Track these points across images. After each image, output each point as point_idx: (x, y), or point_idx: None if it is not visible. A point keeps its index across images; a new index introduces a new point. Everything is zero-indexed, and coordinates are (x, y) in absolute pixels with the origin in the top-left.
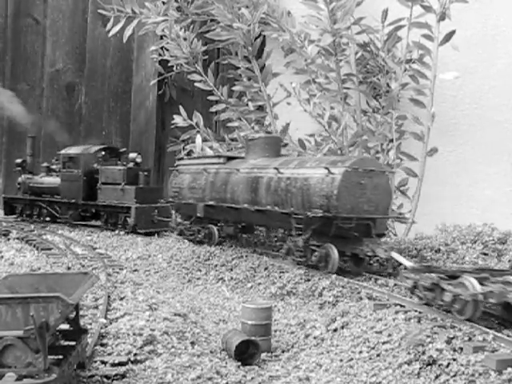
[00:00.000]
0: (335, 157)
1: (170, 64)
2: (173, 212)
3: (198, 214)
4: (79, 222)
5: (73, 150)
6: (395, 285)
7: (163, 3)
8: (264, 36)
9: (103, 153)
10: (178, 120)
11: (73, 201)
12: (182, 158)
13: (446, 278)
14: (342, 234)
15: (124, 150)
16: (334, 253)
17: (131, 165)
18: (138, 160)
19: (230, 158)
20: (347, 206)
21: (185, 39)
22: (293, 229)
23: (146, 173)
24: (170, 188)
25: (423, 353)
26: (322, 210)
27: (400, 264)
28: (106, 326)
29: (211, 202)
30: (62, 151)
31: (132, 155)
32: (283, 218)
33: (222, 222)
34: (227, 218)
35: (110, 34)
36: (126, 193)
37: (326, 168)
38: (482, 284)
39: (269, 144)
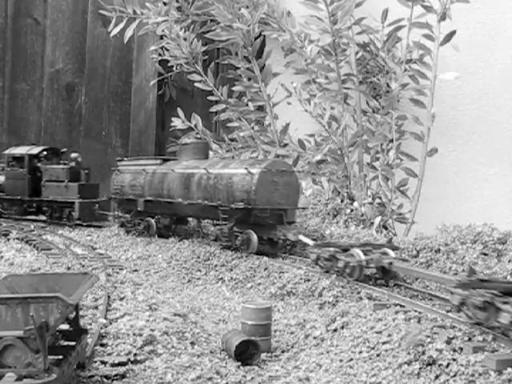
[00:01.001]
0: (253, 160)
1: (169, 64)
2: (115, 207)
3: (139, 208)
4: (24, 216)
5: (17, 151)
6: (395, 285)
7: (164, 4)
8: (264, 36)
9: (45, 153)
10: (177, 122)
11: (18, 197)
12: (122, 160)
13: (340, 251)
14: (260, 222)
15: (65, 150)
16: (254, 237)
17: (73, 164)
18: (79, 159)
19: (165, 160)
20: (263, 199)
21: (185, 39)
22: (220, 218)
23: (86, 171)
24: (112, 185)
25: (423, 353)
26: (243, 202)
27: (306, 244)
28: (106, 326)
29: (150, 198)
30: (6, 151)
31: (74, 155)
32: (211, 209)
33: (159, 214)
34: (164, 211)
35: (112, 34)
36: (70, 189)
37: (246, 169)
38: (365, 254)
39: (198, 148)
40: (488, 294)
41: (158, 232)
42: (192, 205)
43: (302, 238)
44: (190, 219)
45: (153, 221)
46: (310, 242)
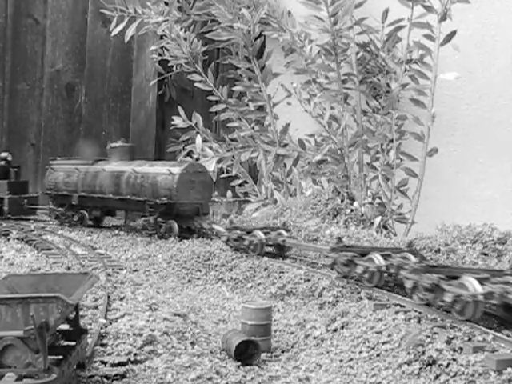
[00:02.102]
0: (174, 162)
1: (169, 64)
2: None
3: (73, 203)
4: None
5: None
6: (395, 285)
7: (165, 4)
8: (264, 36)
9: None
10: (178, 121)
11: None
12: (54, 159)
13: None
14: (180, 214)
15: None
16: (175, 226)
17: (2, 163)
18: (9, 158)
19: (96, 160)
20: (183, 195)
21: (185, 39)
22: (146, 211)
23: (16, 169)
24: (46, 182)
25: (423, 353)
26: (166, 198)
27: (218, 231)
28: (106, 326)
29: (83, 193)
30: None
31: (3, 155)
32: (139, 204)
33: (91, 208)
34: (96, 204)
35: (113, 34)
36: (0, 186)
37: (168, 170)
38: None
39: (126, 151)
40: (349, 255)
41: (90, 222)
42: (122, 200)
43: (215, 226)
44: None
45: (85, 213)
46: (221, 229)
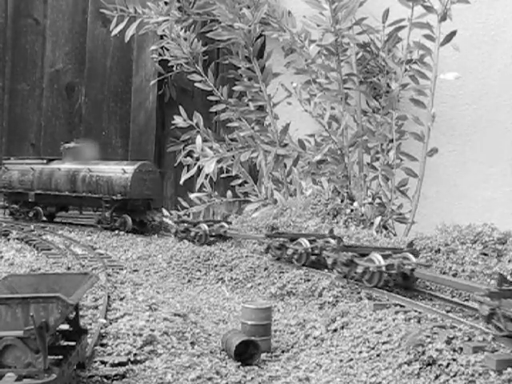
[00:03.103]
0: (127, 162)
1: (170, 64)
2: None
3: (30, 200)
4: None
5: None
6: (395, 285)
7: (166, 3)
8: (264, 36)
9: None
10: (178, 120)
11: None
12: (8, 158)
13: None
14: (134, 209)
15: None
16: (129, 220)
17: None
18: None
19: (50, 160)
20: (136, 191)
21: (185, 39)
22: (102, 207)
23: None
24: (0, 181)
25: (423, 353)
26: (121, 194)
27: (168, 225)
28: (106, 327)
29: (40, 191)
30: None
31: None
32: (95, 200)
33: (47, 205)
34: (52, 201)
35: (113, 33)
36: None
37: (123, 169)
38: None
39: (80, 151)
40: (281, 240)
41: (44, 218)
42: (78, 197)
43: (165, 219)
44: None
45: (40, 209)
46: (170, 222)
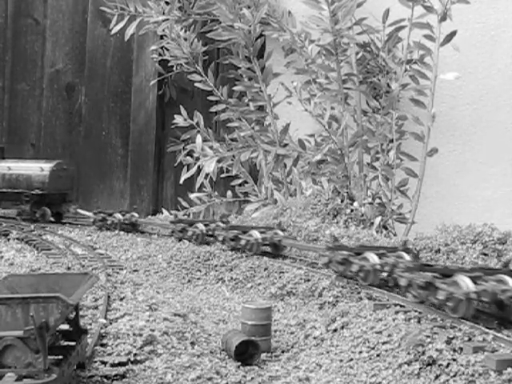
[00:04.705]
0: (45, 160)
1: (170, 64)
2: None
3: None
4: None
5: None
6: (396, 285)
7: (166, 3)
8: (265, 36)
9: None
10: (179, 120)
11: None
12: None
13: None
14: (51, 202)
15: None
16: (48, 211)
17: None
18: None
19: None
20: (52, 186)
21: (185, 39)
22: (23, 201)
23: None
24: None
25: (423, 353)
26: (40, 189)
27: (85, 215)
28: (106, 327)
29: None
30: None
31: None
32: (15, 195)
33: None
34: None
35: (113, 32)
36: None
37: (41, 167)
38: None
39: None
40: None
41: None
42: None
43: (80, 211)
44: None
45: None
46: (88, 214)
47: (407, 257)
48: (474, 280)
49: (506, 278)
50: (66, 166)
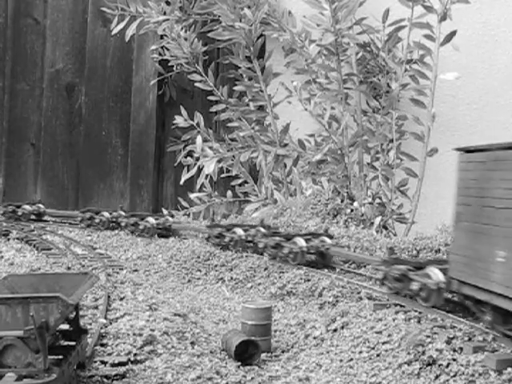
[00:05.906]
0: None
1: (170, 64)
2: None
3: None
4: None
5: None
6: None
7: (167, 3)
8: (265, 36)
9: None
10: (179, 120)
11: None
12: None
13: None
14: None
15: None
16: None
17: None
18: None
19: None
20: None
21: (185, 39)
22: None
23: None
24: None
25: (423, 353)
26: None
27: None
28: (106, 326)
29: None
30: None
31: None
32: None
33: None
34: None
35: (113, 32)
36: None
37: None
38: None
39: None
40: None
41: None
42: None
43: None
44: None
45: None
46: (26, 206)
47: None
48: (306, 240)
49: (326, 238)
50: None
